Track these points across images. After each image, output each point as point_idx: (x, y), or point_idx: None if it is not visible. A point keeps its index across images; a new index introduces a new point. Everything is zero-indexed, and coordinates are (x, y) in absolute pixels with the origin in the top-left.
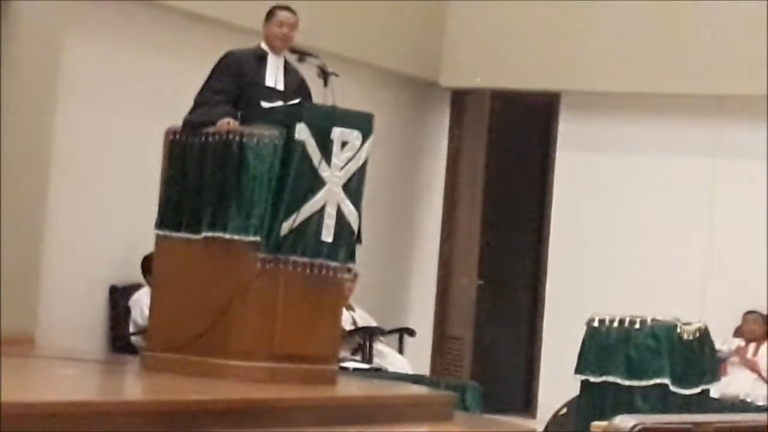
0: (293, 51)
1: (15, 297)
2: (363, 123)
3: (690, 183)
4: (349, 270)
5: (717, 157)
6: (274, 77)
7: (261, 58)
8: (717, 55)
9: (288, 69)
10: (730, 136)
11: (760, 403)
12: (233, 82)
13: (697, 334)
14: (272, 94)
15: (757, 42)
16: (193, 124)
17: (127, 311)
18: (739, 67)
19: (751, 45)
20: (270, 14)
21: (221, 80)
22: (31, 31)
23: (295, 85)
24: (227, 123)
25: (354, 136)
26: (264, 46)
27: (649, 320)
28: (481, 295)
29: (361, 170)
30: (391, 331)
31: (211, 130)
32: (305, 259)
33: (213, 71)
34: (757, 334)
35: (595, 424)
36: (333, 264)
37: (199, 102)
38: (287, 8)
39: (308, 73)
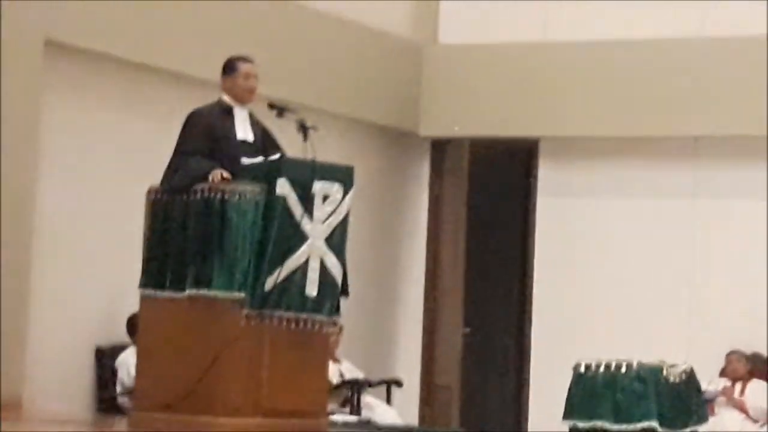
0: (271, 106)
1: (2, 362)
2: (344, 176)
3: (671, 224)
4: (334, 323)
5: (697, 198)
6: (243, 130)
7: (227, 112)
8: (692, 96)
9: (252, 119)
10: (708, 177)
11: None
12: (205, 140)
13: (684, 376)
14: (246, 147)
15: (731, 82)
16: (179, 188)
17: (114, 372)
18: (714, 108)
19: (725, 85)
20: (232, 67)
21: (193, 141)
22: (10, 93)
23: (262, 134)
24: (220, 174)
25: (335, 189)
26: (227, 99)
27: (634, 364)
28: (467, 343)
29: (344, 223)
30: (378, 383)
31: (201, 186)
32: (290, 314)
33: (183, 133)
34: (741, 374)
35: None
36: (318, 318)
37: (176, 166)
38: (249, 59)
39: (287, 127)
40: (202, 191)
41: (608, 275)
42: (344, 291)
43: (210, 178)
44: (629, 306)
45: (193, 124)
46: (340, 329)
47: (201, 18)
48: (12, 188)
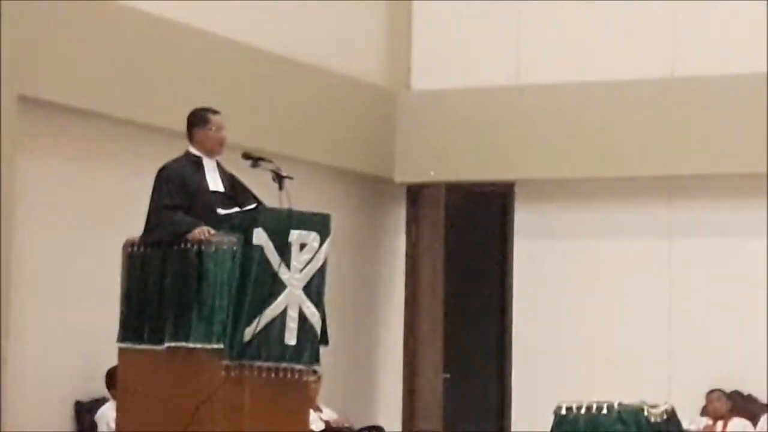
0: (246, 156)
1: None
2: (320, 224)
3: (647, 264)
4: (314, 371)
5: (672, 238)
6: (213, 181)
7: (197, 164)
8: (666, 136)
9: (220, 168)
10: (684, 216)
11: None
12: (180, 194)
13: (665, 416)
14: (218, 198)
15: (705, 122)
16: (162, 243)
17: (93, 426)
18: (688, 148)
19: (699, 125)
20: (203, 119)
21: (169, 196)
22: None
23: (230, 183)
24: (205, 232)
25: (312, 237)
26: (195, 151)
27: (615, 405)
28: (448, 388)
29: (321, 271)
30: (360, 430)
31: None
32: (270, 364)
33: (158, 188)
34: (722, 412)
35: None
36: (298, 367)
37: (156, 222)
38: (217, 111)
39: (262, 177)
40: (179, 243)
41: (587, 317)
42: (324, 339)
43: (194, 234)
44: (609, 347)
45: (168, 178)
46: (319, 377)
47: (173, 69)
48: None
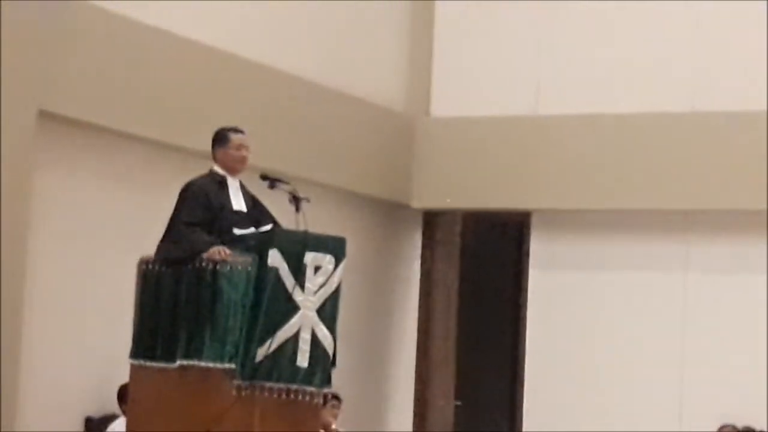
0: (264, 177)
1: None
2: (335, 247)
3: (663, 298)
4: (336, 397)
5: (688, 272)
6: (237, 200)
7: (221, 183)
8: (684, 170)
9: (243, 189)
10: (700, 251)
11: None
12: (204, 212)
13: None
14: (240, 218)
15: (724, 157)
16: (177, 261)
17: None
18: (706, 183)
19: (718, 160)
20: (224, 138)
21: (192, 213)
22: (3, 161)
23: (251, 203)
24: (221, 252)
25: (327, 260)
26: (219, 170)
27: None
28: (459, 415)
29: (335, 294)
30: None
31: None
32: (281, 385)
33: (181, 204)
34: None
35: None
36: (309, 389)
37: (176, 238)
38: (240, 130)
39: (279, 198)
40: (195, 261)
41: (600, 348)
42: (332, 362)
43: (211, 254)
44: (621, 379)
45: (192, 195)
46: (339, 402)
47: (193, 89)
48: (3, 257)
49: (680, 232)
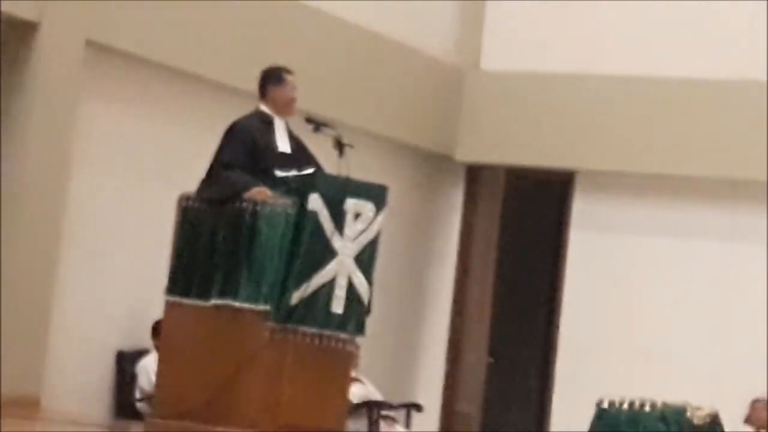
0: (309, 121)
1: (21, 359)
2: (377, 195)
3: (704, 266)
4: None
5: (733, 241)
6: (283, 142)
7: (268, 124)
8: (733, 139)
9: (289, 131)
10: (746, 221)
11: None
12: (247, 152)
13: (708, 419)
14: (285, 159)
15: None
16: (217, 200)
17: (134, 377)
18: (754, 153)
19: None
20: (279, 78)
21: (236, 153)
22: (48, 91)
23: (296, 146)
24: (262, 193)
25: (368, 207)
26: (266, 110)
27: (659, 403)
28: (490, 373)
29: (374, 242)
30: (398, 406)
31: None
32: (314, 330)
33: (225, 144)
34: (765, 422)
35: None
36: (342, 336)
37: (217, 177)
38: (291, 71)
39: (323, 142)
40: (235, 201)
41: (637, 313)
42: (367, 309)
43: (252, 194)
44: (657, 345)
45: (236, 136)
46: (357, 348)
47: (244, 29)
48: (43, 189)
49: (727, 200)
